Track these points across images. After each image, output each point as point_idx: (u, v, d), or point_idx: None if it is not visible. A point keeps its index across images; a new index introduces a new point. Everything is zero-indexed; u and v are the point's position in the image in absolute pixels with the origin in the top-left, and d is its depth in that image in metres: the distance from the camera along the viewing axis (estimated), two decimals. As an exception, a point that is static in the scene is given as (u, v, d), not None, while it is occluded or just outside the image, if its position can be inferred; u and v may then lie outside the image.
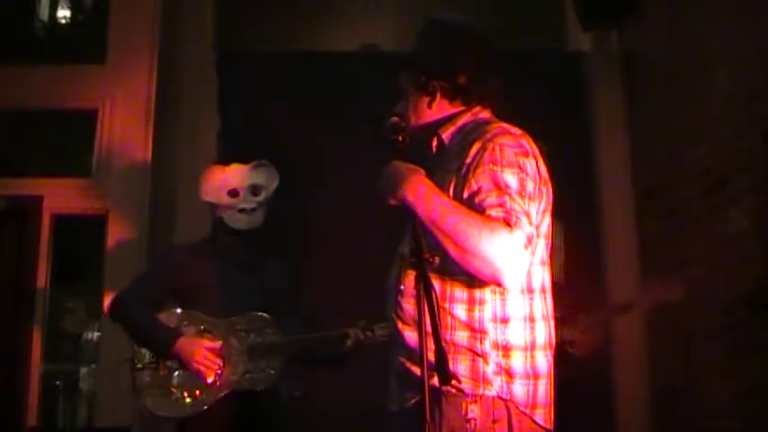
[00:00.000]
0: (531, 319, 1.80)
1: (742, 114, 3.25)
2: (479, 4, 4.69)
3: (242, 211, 3.06)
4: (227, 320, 2.96)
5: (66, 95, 4.38)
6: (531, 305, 1.80)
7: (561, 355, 2.69)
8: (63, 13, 4.75)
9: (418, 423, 1.55)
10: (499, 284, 1.70)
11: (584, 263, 3.91)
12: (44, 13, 4.72)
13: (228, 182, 3.11)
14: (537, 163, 1.83)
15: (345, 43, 4.87)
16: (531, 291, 1.81)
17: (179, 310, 3.00)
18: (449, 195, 1.77)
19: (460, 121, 1.95)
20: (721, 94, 3.42)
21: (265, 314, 2.97)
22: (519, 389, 1.74)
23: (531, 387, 1.76)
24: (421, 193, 1.74)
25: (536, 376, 1.77)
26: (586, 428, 2.72)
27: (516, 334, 1.77)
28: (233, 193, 3.09)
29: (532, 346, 1.79)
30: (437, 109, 1.96)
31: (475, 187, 1.74)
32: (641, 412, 4.16)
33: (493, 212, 1.69)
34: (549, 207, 1.86)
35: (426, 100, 1.95)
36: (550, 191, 1.87)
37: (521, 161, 1.78)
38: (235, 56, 4.63)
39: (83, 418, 4.34)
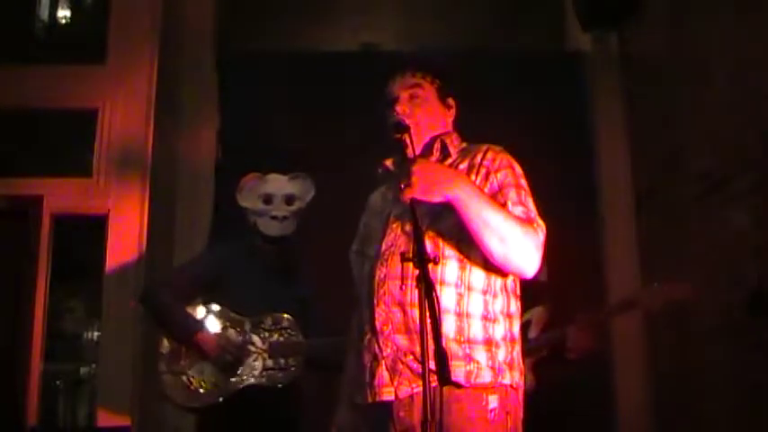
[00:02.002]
0: (519, 318, 1.96)
1: (742, 114, 3.25)
2: (480, 5, 4.69)
3: (274, 218, 3.15)
4: (253, 318, 3.05)
5: (66, 95, 4.38)
6: (517, 306, 1.95)
7: (557, 358, 2.71)
8: (63, 13, 4.73)
9: (403, 414, 1.69)
10: (524, 275, 1.86)
11: (584, 263, 3.91)
12: (44, 13, 4.71)
13: (264, 189, 3.21)
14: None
15: (345, 43, 4.87)
16: (507, 291, 1.94)
17: (206, 304, 3.09)
18: None
19: (455, 137, 2.10)
20: (721, 93, 3.42)
21: (290, 316, 3.05)
22: (519, 380, 1.87)
23: (523, 380, 1.90)
24: (470, 189, 1.84)
25: (521, 372, 1.90)
26: (587, 428, 2.72)
27: (515, 329, 1.91)
28: (267, 199, 3.18)
29: (519, 342, 1.93)
30: (450, 122, 2.13)
31: (496, 185, 1.90)
32: (641, 412, 4.16)
33: (516, 210, 1.85)
34: None
35: (452, 112, 2.13)
36: None
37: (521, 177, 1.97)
38: (235, 56, 4.62)
39: (83, 418, 4.33)
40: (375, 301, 1.89)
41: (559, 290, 2.85)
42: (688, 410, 3.74)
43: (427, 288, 1.61)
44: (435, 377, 1.58)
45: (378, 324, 1.87)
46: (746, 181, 3.21)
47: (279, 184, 3.24)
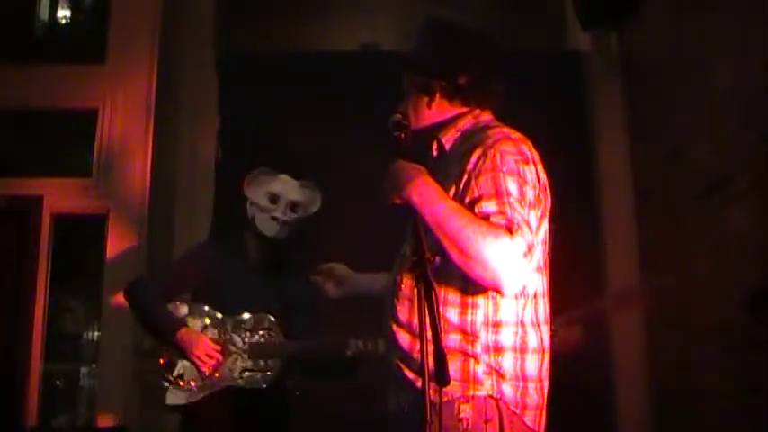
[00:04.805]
0: (522, 324, 1.80)
1: (742, 114, 3.25)
2: (479, 4, 4.69)
3: (274, 219, 3.12)
4: (234, 318, 3.03)
5: (66, 95, 4.38)
6: (522, 310, 1.80)
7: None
8: (63, 13, 4.74)
9: (414, 426, 1.56)
10: (499, 291, 1.69)
11: (584, 263, 3.91)
12: (44, 13, 4.71)
13: (273, 188, 3.17)
14: (536, 169, 1.82)
15: (345, 43, 4.87)
16: (524, 296, 1.80)
17: (188, 303, 3.07)
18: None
19: (461, 125, 1.94)
20: (721, 94, 3.41)
21: (272, 316, 3.03)
22: (509, 389, 1.75)
23: (520, 389, 1.76)
24: (427, 194, 1.74)
25: (525, 379, 1.77)
26: (587, 428, 2.71)
27: (507, 337, 1.77)
28: (273, 199, 3.15)
29: (523, 350, 1.79)
30: (437, 109, 1.95)
31: (476, 194, 1.73)
32: (641, 412, 4.15)
33: (494, 220, 1.68)
34: (548, 213, 1.86)
35: (426, 100, 1.95)
36: (549, 197, 1.86)
37: (521, 169, 1.77)
38: (235, 56, 4.62)
39: (83, 418, 4.34)
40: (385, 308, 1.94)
41: (559, 290, 2.84)
42: (688, 411, 3.74)
43: (427, 288, 1.60)
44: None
45: None
46: (746, 181, 3.21)
47: (288, 187, 3.19)
